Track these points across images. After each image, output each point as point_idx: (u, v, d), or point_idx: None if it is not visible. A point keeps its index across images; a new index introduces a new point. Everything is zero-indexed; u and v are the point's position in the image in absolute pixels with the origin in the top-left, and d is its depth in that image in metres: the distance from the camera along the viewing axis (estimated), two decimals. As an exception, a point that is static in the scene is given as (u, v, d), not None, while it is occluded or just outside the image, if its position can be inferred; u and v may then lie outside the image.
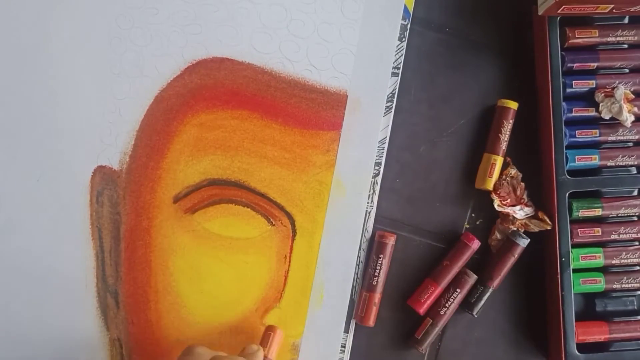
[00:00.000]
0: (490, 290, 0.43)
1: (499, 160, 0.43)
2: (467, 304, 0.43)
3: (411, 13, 0.44)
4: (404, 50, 0.44)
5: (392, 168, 0.44)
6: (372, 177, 0.43)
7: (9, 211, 0.41)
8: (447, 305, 0.43)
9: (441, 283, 0.43)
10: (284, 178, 0.43)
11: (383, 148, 0.44)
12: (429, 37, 0.45)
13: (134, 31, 0.42)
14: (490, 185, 0.43)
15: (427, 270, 0.44)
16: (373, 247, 0.43)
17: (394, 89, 0.44)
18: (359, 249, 0.43)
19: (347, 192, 0.43)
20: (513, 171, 0.43)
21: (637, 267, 0.44)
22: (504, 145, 0.43)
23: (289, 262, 0.43)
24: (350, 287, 0.43)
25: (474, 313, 0.43)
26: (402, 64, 0.44)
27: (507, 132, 0.43)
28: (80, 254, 0.42)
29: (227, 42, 0.42)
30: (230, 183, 0.42)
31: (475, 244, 0.43)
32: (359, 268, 0.43)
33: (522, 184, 0.43)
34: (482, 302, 0.43)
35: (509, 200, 0.43)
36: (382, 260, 0.43)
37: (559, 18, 0.42)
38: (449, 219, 0.45)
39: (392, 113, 0.44)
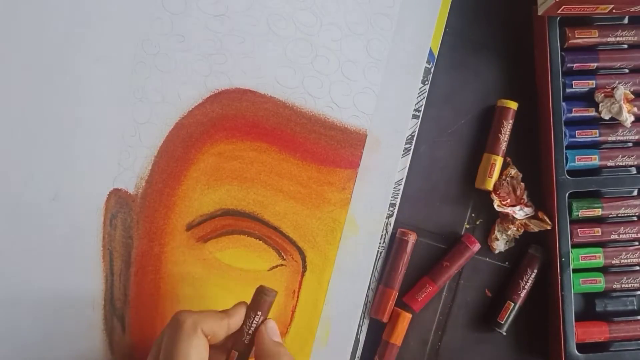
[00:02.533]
0: (517, 306, 0.43)
1: (498, 160, 0.43)
2: (496, 324, 0.44)
3: (436, 56, 0.44)
4: (427, 93, 0.44)
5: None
6: (386, 218, 0.43)
7: (23, 228, 0.42)
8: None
9: (439, 283, 0.43)
10: (298, 213, 0.43)
11: (399, 189, 0.43)
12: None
13: (159, 57, 0.42)
14: (490, 185, 0.43)
15: (426, 269, 0.44)
16: (394, 244, 0.43)
17: (414, 131, 0.44)
18: (368, 288, 0.43)
19: (360, 231, 0.43)
20: (513, 171, 0.44)
21: (637, 267, 0.44)
22: (503, 146, 0.43)
23: (297, 297, 0.43)
24: (357, 326, 0.43)
25: (503, 331, 0.44)
26: (423, 107, 0.44)
27: (507, 132, 0.43)
28: (90, 275, 0.42)
29: (251, 73, 0.42)
30: (245, 214, 0.43)
31: (476, 247, 0.43)
32: (375, 269, 0.43)
33: (522, 184, 0.44)
34: (511, 319, 0.44)
35: (508, 201, 0.43)
36: (404, 257, 0.43)
37: (558, 18, 0.42)
38: (449, 219, 0.45)
39: (410, 155, 0.44)
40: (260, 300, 0.36)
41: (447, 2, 0.43)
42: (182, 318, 0.34)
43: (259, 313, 0.36)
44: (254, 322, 0.36)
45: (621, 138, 0.43)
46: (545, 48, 0.42)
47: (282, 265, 0.43)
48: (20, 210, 0.42)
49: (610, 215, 0.43)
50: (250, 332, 0.36)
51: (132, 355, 0.42)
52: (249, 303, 0.37)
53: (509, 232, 0.44)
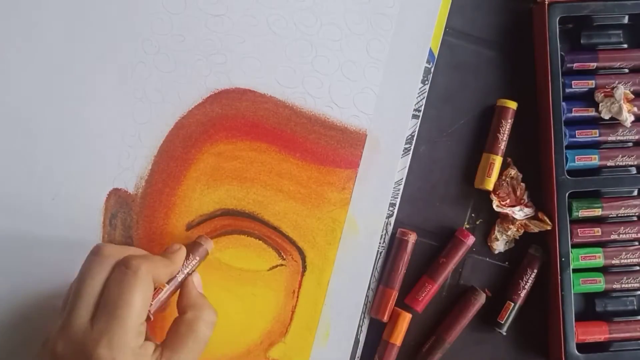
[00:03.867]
0: (517, 306, 0.43)
1: (497, 160, 0.43)
2: (496, 324, 0.44)
3: (436, 56, 0.44)
4: (426, 93, 0.44)
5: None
6: (386, 218, 0.43)
7: (23, 228, 0.42)
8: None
9: (437, 280, 0.43)
10: (298, 213, 0.43)
11: (399, 189, 0.43)
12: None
13: (159, 57, 0.42)
14: (489, 185, 0.43)
15: (426, 269, 0.44)
16: (394, 244, 0.43)
17: (414, 131, 0.44)
18: (368, 288, 0.43)
19: (360, 231, 0.43)
20: (513, 172, 0.44)
21: (637, 267, 0.44)
22: (502, 145, 0.43)
23: (297, 297, 0.43)
24: (357, 326, 0.43)
25: (503, 331, 0.44)
26: (423, 107, 0.44)
27: (506, 132, 0.43)
28: (90, 275, 0.42)
29: (251, 73, 0.42)
30: (244, 214, 0.43)
31: (470, 240, 0.43)
32: (375, 269, 0.43)
33: (522, 184, 0.44)
34: (511, 319, 0.44)
35: (508, 201, 0.43)
36: (404, 257, 0.43)
37: (558, 18, 0.42)
38: (448, 219, 0.45)
39: (410, 155, 0.44)
40: (198, 246, 0.40)
41: (447, 2, 0.43)
42: (135, 263, 0.34)
43: (197, 258, 0.39)
44: (191, 263, 0.39)
45: (621, 138, 0.43)
46: (545, 48, 0.42)
47: (281, 265, 0.43)
48: (20, 210, 0.42)
49: (610, 215, 0.43)
50: (185, 271, 0.38)
51: (131, 355, 0.42)
52: (187, 246, 0.39)
53: (509, 233, 0.44)
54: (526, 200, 0.44)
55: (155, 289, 0.36)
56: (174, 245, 0.39)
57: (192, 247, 0.40)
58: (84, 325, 0.33)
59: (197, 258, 0.39)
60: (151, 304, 0.35)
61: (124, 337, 0.32)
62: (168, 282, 0.37)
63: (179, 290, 0.38)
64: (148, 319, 0.35)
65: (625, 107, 0.42)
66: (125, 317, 0.32)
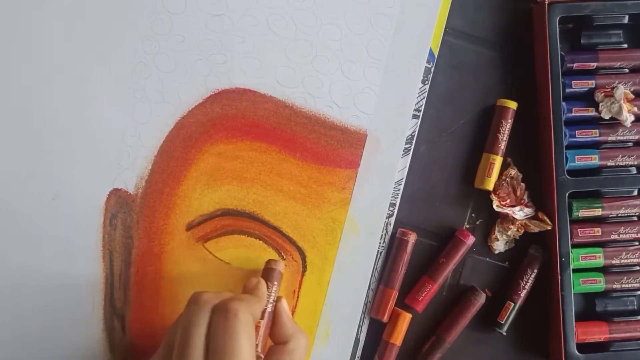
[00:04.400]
0: (517, 306, 0.43)
1: (497, 160, 0.43)
2: (496, 324, 0.44)
3: (436, 56, 0.44)
4: (426, 93, 0.44)
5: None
6: (386, 218, 0.43)
7: (23, 228, 0.42)
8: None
9: (438, 280, 0.43)
10: (298, 213, 0.43)
11: (399, 189, 0.43)
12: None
13: (159, 57, 0.42)
14: (489, 185, 0.43)
15: (426, 269, 0.44)
16: (394, 244, 0.43)
17: (414, 131, 0.44)
18: (368, 288, 0.43)
19: (360, 231, 0.43)
20: (513, 172, 0.44)
21: (637, 267, 0.44)
22: (502, 145, 0.43)
23: (297, 297, 0.43)
24: (357, 326, 0.43)
25: (503, 331, 0.44)
26: (423, 107, 0.44)
27: (506, 132, 0.43)
28: (90, 275, 0.42)
29: (251, 73, 0.42)
30: (244, 214, 0.42)
31: (470, 240, 0.43)
32: (375, 269, 0.43)
33: (523, 184, 0.44)
34: (511, 319, 0.44)
35: (508, 201, 0.43)
36: (404, 257, 0.43)
37: (558, 18, 0.42)
38: (448, 219, 0.45)
39: (410, 155, 0.44)
40: (272, 272, 0.40)
41: (447, 2, 0.43)
42: (235, 307, 0.33)
43: (275, 283, 0.40)
44: (273, 291, 0.39)
45: (621, 138, 0.43)
46: (545, 48, 0.42)
47: (282, 265, 0.43)
48: (20, 210, 0.42)
49: (610, 215, 0.43)
50: (272, 300, 0.39)
51: (132, 355, 0.42)
52: (262, 277, 0.40)
53: (509, 233, 0.44)
54: (526, 200, 0.44)
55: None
56: (252, 280, 0.39)
57: (267, 274, 0.40)
58: None
59: (276, 283, 0.40)
60: (257, 344, 0.36)
61: None
62: (262, 317, 0.38)
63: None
64: (259, 358, 0.36)
65: (625, 107, 0.42)
66: None
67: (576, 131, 0.43)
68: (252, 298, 0.37)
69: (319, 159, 0.43)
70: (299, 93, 0.43)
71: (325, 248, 0.43)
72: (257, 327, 0.37)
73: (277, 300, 0.40)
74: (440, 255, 0.44)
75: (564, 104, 0.43)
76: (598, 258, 0.43)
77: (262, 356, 0.37)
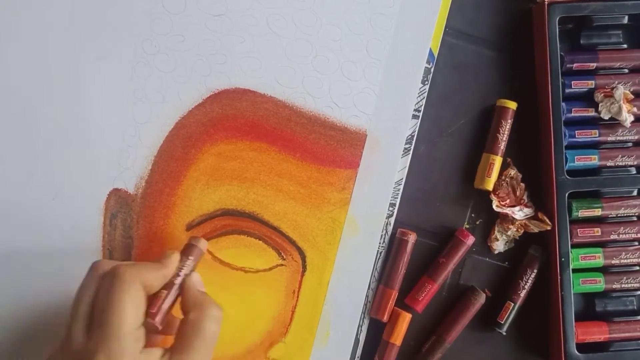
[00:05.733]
0: (517, 306, 0.43)
1: (497, 160, 0.43)
2: (496, 324, 0.44)
3: (436, 56, 0.44)
4: (426, 93, 0.44)
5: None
6: (386, 218, 0.43)
7: (24, 227, 0.42)
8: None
9: (437, 280, 0.43)
10: (298, 213, 0.43)
11: (399, 189, 0.43)
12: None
13: (159, 57, 0.42)
14: (488, 185, 0.43)
15: (425, 269, 0.44)
16: (394, 244, 0.43)
17: (414, 131, 0.44)
18: (368, 288, 0.43)
19: (360, 231, 0.43)
20: (513, 172, 0.44)
21: (637, 267, 0.44)
22: (502, 145, 0.43)
23: (297, 297, 0.43)
24: (357, 326, 0.43)
25: (503, 331, 0.44)
26: (423, 107, 0.44)
27: (506, 132, 0.43)
28: (90, 275, 0.42)
29: (251, 73, 0.42)
30: (244, 214, 0.43)
31: (470, 240, 0.43)
32: (375, 269, 0.43)
33: (522, 184, 0.44)
34: (511, 319, 0.44)
35: (508, 201, 0.43)
36: (404, 257, 0.43)
37: (558, 18, 0.42)
38: (448, 219, 0.45)
39: (410, 155, 0.44)
40: (192, 247, 0.39)
41: (447, 2, 0.44)
42: (121, 270, 0.33)
43: (191, 257, 0.38)
44: (186, 264, 0.38)
45: (621, 138, 0.44)
46: (544, 48, 0.42)
47: (282, 265, 0.43)
48: (20, 210, 0.42)
49: (610, 215, 0.43)
50: (181, 273, 0.37)
51: (132, 355, 0.42)
52: (181, 250, 0.38)
53: (509, 233, 0.44)
54: (526, 200, 0.44)
55: (155, 295, 0.35)
56: (167, 251, 0.38)
57: (184, 249, 0.39)
58: (81, 338, 0.33)
59: (191, 258, 0.38)
60: (155, 312, 0.35)
61: (120, 344, 0.32)
62: (166, 288, 0.36)
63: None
64: (154, 327, 0.35)
65: (625, 107, 0.42)
66: (117, 323, 0.32)
67: (576, 131, 0.43)
68: (148, 264, 0.36)
69: (319, 159, 0.43)
70: (299, 93, 0.43)
71: (325, 248, 0.43)
72: (157, 296, 0.35)
73: (193, 270, 0.38)
74: (440, 255, 0.44)
75: (563, 104, 0.43)
76: (598, 258, 0.43)
77: (160, 327, 0.35)
